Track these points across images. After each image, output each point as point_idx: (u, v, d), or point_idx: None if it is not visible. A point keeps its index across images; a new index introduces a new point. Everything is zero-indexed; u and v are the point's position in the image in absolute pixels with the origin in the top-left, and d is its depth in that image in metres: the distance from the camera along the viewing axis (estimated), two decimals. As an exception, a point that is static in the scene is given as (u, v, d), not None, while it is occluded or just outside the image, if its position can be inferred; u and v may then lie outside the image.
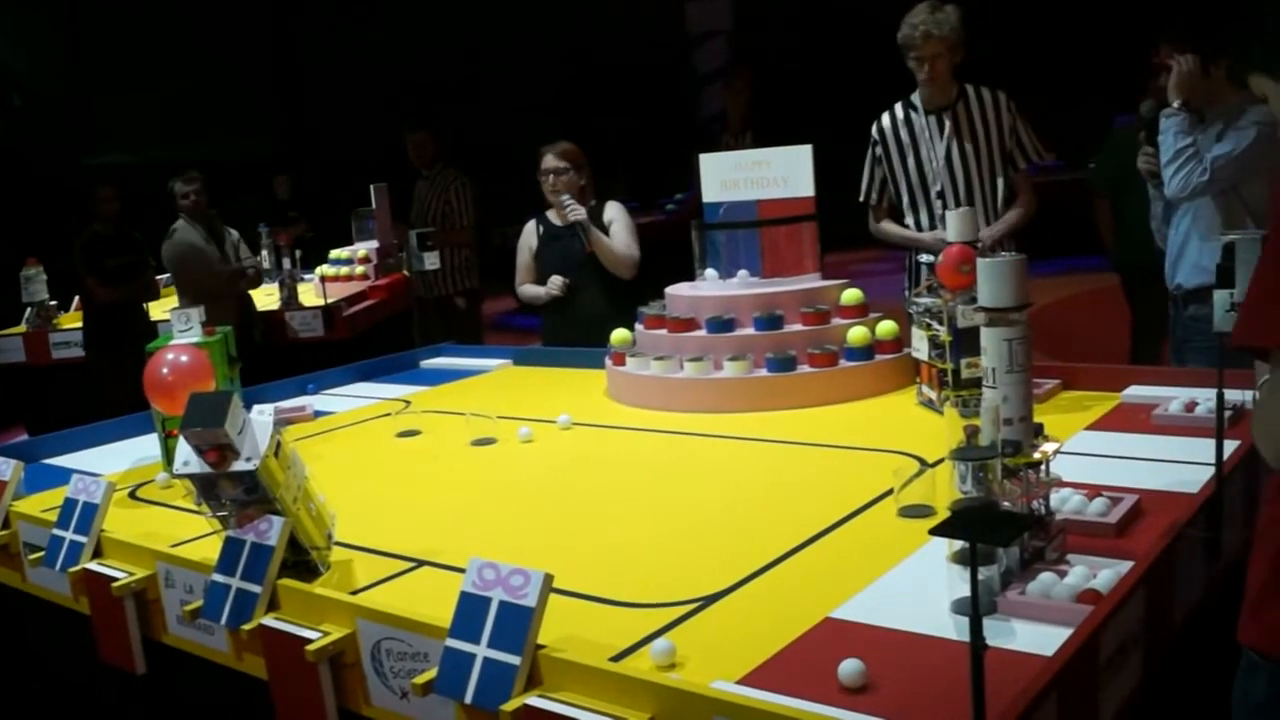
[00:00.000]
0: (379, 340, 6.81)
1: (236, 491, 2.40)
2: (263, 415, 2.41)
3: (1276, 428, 1.74)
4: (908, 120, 4.93)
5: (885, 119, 4.99)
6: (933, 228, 4.88)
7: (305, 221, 10.43)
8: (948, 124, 4.82)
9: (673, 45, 13.45)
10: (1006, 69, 5.08)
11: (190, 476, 2.38)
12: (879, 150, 5.01)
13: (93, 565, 2.75)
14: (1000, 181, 4.79)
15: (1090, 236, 6.77)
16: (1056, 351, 6.39)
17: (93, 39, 12.54)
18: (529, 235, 5.60)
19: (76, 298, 7.97)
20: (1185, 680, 2.30)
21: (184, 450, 2.37)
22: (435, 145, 8.05)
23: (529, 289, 5.55)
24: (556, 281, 5.38)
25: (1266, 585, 1.86)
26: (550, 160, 5.44)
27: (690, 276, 4.40)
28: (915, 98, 4.91)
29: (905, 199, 4.99)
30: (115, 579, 2.65)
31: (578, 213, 5.36)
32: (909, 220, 5.00)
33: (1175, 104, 4.20)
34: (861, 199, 5.11)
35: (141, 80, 12.54)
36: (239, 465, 2.34)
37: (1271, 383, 1.76)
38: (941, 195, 4.85)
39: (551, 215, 5.52)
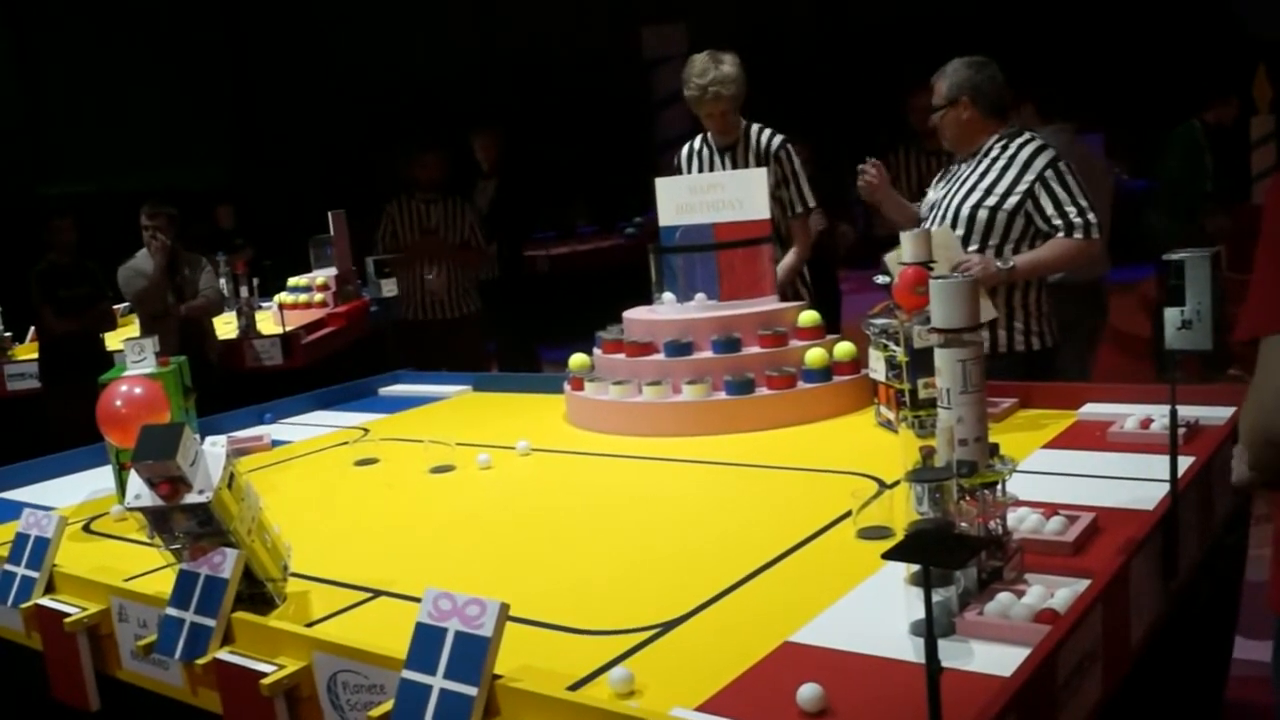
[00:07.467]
0: (338, 368, 6.75)
1: (190, 524, 2.38)
2: (215, 446, 2.39)
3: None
4: (702, 152, 5.08)
5: (685, 148, 5.16)
6: None
7: (252, 248, 10.29)
8: (726, 162, 4.97)
9: (630, 69, 13.49)
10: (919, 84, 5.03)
11: (142, 510, 2.36)
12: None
13: (45, 600, 2.71)
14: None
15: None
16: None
17: (46, 68, 12.47)
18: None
19: (32, 329, 7.92)
20: (1144, 698, 2.31)
21: (135, 483, 2.35)
22: (447, 166, 7.76)
23: None
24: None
25: None
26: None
27: (648, 300, 4.41)
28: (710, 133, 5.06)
29: None
30: (68, 614, 2.62)
31: None
32: None
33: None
34: None
35: (97, 109, 12.47)
36: (191, 498, 2.31)
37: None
38: None
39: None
